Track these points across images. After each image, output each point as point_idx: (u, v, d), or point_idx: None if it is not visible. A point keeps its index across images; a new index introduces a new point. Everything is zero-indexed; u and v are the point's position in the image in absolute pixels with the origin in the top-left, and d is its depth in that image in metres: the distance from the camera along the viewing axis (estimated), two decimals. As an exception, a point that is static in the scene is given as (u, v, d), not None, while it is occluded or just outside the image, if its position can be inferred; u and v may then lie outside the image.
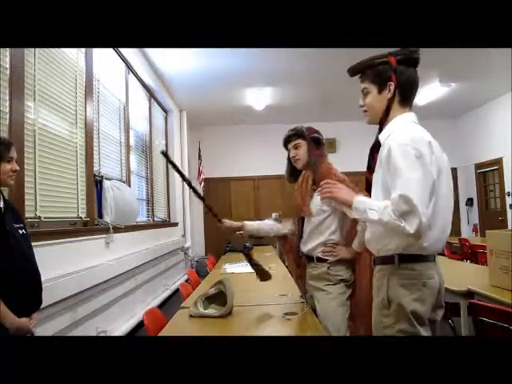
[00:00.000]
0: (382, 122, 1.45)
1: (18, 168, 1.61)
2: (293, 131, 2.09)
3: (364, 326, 1.89)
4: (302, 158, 2.05)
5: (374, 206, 1.33)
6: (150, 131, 5.51)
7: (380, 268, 1.44)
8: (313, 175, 2.03)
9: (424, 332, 1.35)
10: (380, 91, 1.42)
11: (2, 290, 1.42)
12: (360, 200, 1.41)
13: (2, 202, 1.54)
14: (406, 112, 1.44)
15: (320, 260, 1.98)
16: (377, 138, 1.48)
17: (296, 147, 2.06)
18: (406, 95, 1.42)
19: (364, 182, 1.54)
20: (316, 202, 1.98)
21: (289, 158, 2.14)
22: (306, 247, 2.04)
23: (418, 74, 1.43)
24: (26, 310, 1.54)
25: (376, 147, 1.48)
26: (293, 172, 2.16)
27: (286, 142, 2.11)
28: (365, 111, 1.49)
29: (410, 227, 1.23)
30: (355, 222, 1.88)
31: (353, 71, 1.50)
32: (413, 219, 1.23)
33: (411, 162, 1.27)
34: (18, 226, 1.58)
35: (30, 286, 1.58)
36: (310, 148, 2.03)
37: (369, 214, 1.33)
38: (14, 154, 1.58)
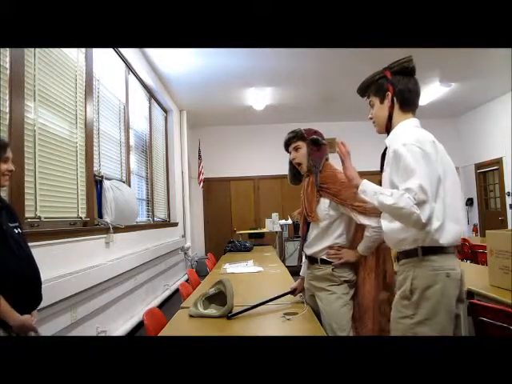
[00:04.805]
0: (388, 129, 1.59)
1: (13, 168, 1.61)
2: (292, 133, 2.08)
3: (365, 327, 1.89)
4: (303, 159, 2.04)
5: (386, 191, 1.39)
6: (150, 131, 5.51)
7: (404, 262, 1.49)
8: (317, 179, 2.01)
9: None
10: (381, 102, 1.58)
11: (2, 288, 1.42)
12: (368, 183, 1.50)
13: None
14: (409, 118, 1.55)
15: (324, 262, 1.98)
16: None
17: (296, 149, 2.06)
18: (404, 102, 1.54)
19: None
20: (323, 206, 1.97)
21: (290, 162, 2.14)
22: (310, 250, 2.04)
23: (417, 81, 1.56)
24: (26, 307, 1.55)
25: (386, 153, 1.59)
26: (295, 175, 2.16)
27: (287, 144, 2.11)
28: (374, 122, 1.64)
29: (423, 216, 1.31)
30: (361, 226, 1.91)
31: (360, 91, 1.68)
32: (426, 209, 1.32)
33: (417, 158, 1.36)
34: (13, 225, 1.59)
35: (30, 284, 1.58)
36: (310, 149, 2.03)
37: (380, 197, 1.39)
38: (9, 154, 1.59)
